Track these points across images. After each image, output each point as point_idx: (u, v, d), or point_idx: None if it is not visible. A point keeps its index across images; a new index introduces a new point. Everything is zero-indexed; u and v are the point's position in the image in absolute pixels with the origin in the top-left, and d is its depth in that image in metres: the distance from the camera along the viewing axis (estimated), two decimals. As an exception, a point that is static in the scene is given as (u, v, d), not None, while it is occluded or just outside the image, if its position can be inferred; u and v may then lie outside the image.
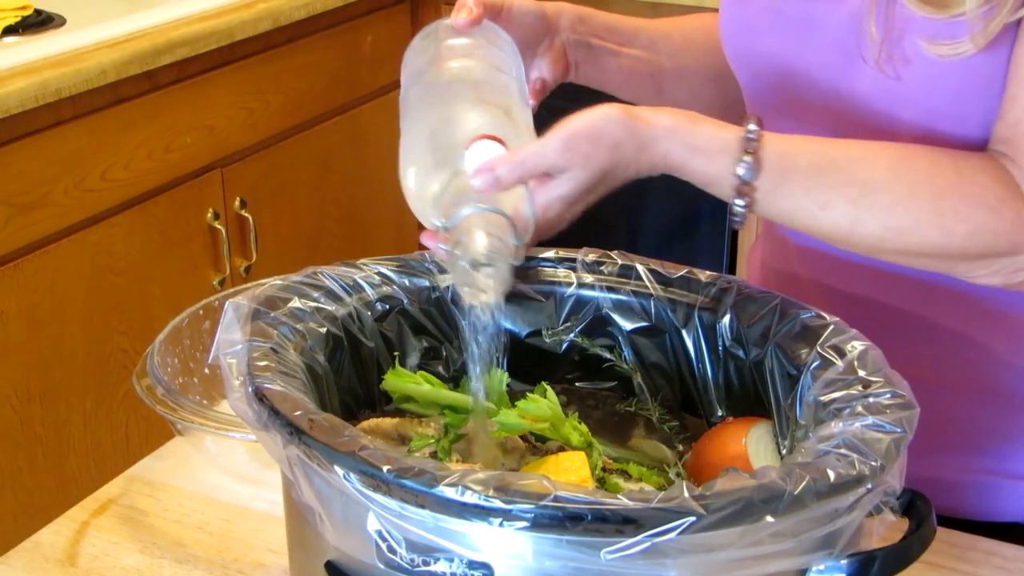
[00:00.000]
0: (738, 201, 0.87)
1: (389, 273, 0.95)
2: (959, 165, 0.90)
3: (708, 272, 0.95)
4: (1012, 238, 0.89)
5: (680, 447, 0.93)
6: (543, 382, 0.91)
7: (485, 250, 0.80)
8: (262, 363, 0.80)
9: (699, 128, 0.87)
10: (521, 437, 0.88)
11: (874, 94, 0.98)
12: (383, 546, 0.70)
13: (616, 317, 0.96)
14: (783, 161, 0.88)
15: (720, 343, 0.93)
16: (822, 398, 0.80)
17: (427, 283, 0.96)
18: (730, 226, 2.64)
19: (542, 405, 0.84)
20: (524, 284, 0.97)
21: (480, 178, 0.83)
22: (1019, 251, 0.89)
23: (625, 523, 0.64)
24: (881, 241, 0.90)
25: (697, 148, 0.86)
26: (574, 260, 0.97)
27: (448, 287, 0.95)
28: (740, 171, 0.86)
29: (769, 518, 0.66)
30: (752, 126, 0.87)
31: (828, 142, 0.91)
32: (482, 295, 0.81)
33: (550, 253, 0.98)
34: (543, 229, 0.87)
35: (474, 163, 0.83)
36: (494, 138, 0.84)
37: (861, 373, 0.80)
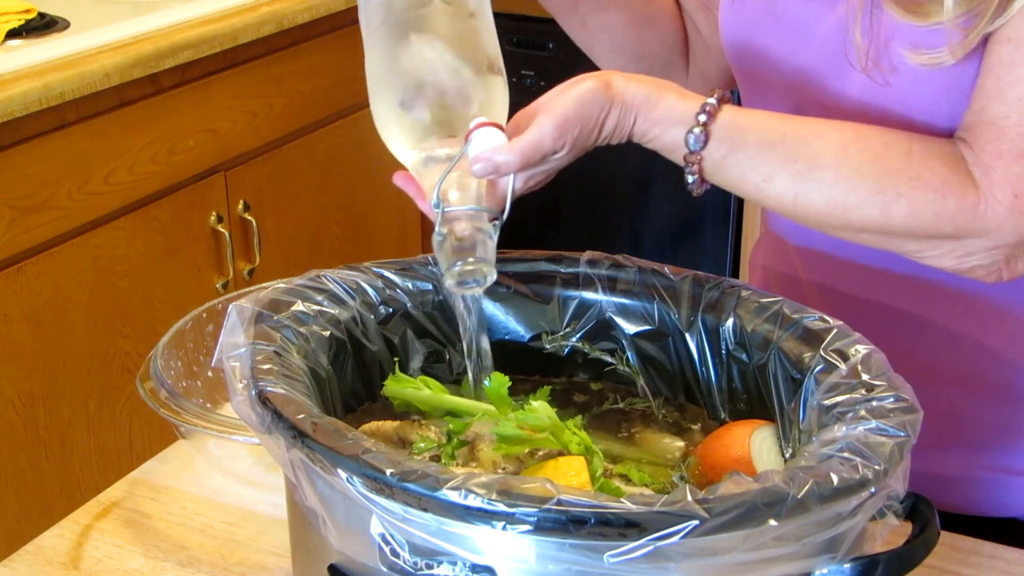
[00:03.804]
0: (688, 169, 0.92)
1: (392, 276, 0.95)
2: (911, 148, 0.91)
3: (711, 275, 0.96)
4: (956, 221, 0.90)
5: (683, 445, 0.93)
6: (545, 387, 0.91)
7: (473, 261, 0.85)
8: (265, 366, 0.80)
9: (663, 100, 0.91)
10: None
11: (864, 97, 0.99)
12: (386, 549, 0.70)
13: (619, 320, 0.96)
14: (733, 134, 0.91)
15: (723, 347, 0.93)
16: (825, 402, 0.80)
17: (430, 286, 0.96)
18: (732, 228, 2.67)
19: (540, 415, 0.84)
20: (527, 287, 0.97)
21: (480, 166, 0.87)
22: (965, 235, 0.90)
23: (628, 527, 0.64)
24: (824, 216, 0.93)
25: (658, 120, 0.91)
26: (577, 263, 0.97)
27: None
28: (689, 141, 0.91)
29: (772, 522, 0.66)
30: (711, 99, 0.91)
31: (786, 118, 0.94)
32: (468, 289, 0.88)
33: (553, 256, 0.98)
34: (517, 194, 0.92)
35: (475, 150, 0.88)
36: (495, 125, 0.88)
37: (864, 377, 0.80)
